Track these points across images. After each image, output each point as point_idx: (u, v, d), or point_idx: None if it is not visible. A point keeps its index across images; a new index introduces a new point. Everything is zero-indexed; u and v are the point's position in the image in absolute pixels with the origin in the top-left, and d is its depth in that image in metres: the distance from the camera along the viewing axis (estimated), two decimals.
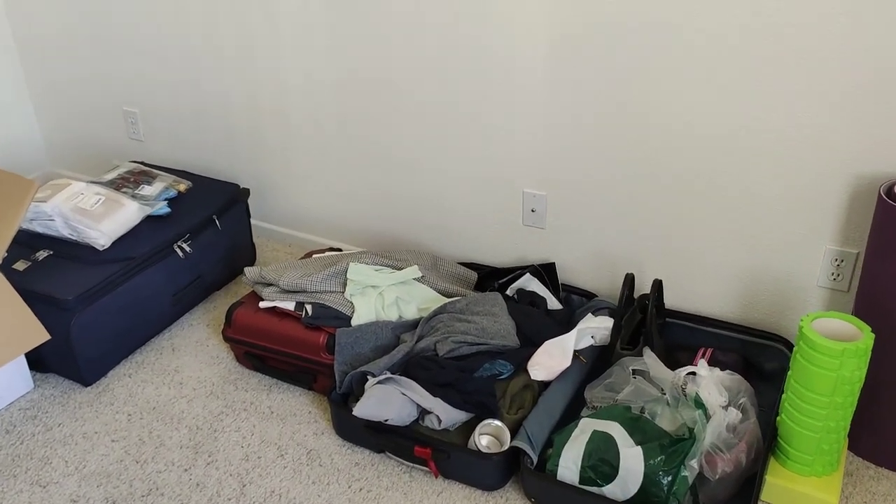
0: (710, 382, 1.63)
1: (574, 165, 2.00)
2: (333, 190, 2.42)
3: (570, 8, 1.82)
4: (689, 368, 1.66)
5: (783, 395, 1.59)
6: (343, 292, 1.93)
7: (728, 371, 1.69)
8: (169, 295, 2.13)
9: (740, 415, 1.61)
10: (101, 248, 2.02)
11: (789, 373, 1.56)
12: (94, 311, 1.93)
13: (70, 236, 2.04)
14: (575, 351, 1.83)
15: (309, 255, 2.21)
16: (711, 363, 1.90)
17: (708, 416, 1.58)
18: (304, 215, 2.53)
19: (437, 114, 2.12)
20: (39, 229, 2.07)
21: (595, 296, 2.10)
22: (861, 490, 1.66)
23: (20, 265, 1.99)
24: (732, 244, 1.90)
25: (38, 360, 2.00)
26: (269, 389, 1.98)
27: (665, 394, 1.64)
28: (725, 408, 1.62)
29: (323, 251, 2.24)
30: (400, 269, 2.03)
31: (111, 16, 2.52)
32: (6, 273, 1.93)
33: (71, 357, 1.93)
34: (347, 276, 1.95)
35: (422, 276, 2.03)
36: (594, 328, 1.86)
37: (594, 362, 1.86)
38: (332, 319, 1.88)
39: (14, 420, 1.89)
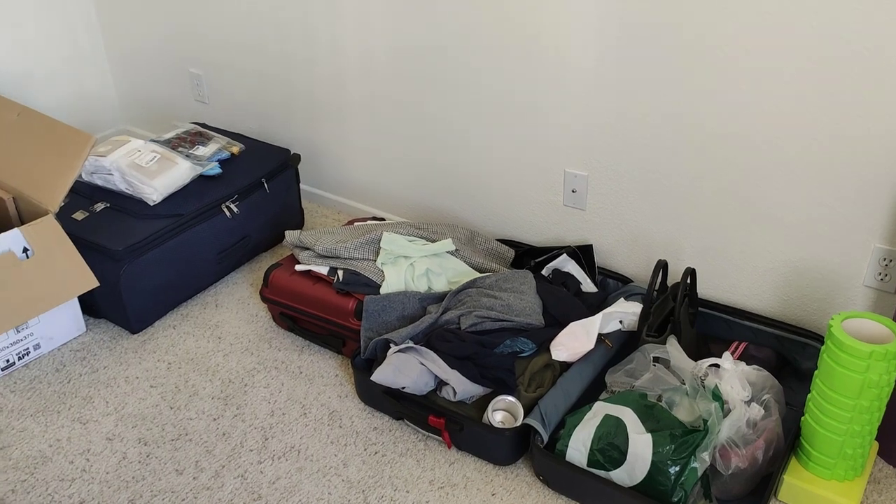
0: (734, 376, 1.59)
1: (617, 148, 1.97)
2: (382, 160, 2.45)
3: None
4: (713, 360, 1.63)
5: (809, 395, 1.54)
6: (375, 260, 1.96)
7: (755, 366, 1.64)
8: (214, 253, 2.21)
9: (762, 411, 1.57)
10: (152, 203, 2.11)
11: (816, 372, 1.50)
12: (143, 263, 2.02)
13: (126, 190, 2.14)
14: (601, 335, 1.82)
15: (351, 222, 2.25)
16: (744, 358, 1.86)
17: (726, 410, 1.54)
18: (352, 183, 2.58)
19: (486, 90, 2.11)
20: (99, 182, 2.18)
21: (631, 281, 2.07)
22: (887, 498, 1.60)
23: (79, 215, 2.10)
24: (775, 237, 1.83)
25: (91, 306, 2.11)
26: (301, 350, 2.04)
27: (685, 384, 1.60)
28: (748, 403, 1.58)
29: (365, 220, 2.28)
30: (434, 241, 2.05)
31: None
32: (66, 222, 2.05)
33: (120, 305, 2.04)
34: (381, 245, 1.98)
35: (455, 250, 2.04)
36: (622, 313, 1.84)
37: (621, 348, 1.84)
38: (362, 286, 1.92)
39: (65, 360, 2.01)
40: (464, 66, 2.12)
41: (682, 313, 1.79)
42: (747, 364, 1.66)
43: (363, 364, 1.84)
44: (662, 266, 1.81)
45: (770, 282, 1.89)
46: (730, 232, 1.89)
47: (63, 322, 2.03)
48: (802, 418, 1.56)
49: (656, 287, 1.83)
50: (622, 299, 1.93)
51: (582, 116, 1.98)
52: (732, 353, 1.82)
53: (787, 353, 1.86)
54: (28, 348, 1.97)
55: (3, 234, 1.85)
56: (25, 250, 1.89)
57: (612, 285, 2.08)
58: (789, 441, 1.58)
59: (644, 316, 1.80)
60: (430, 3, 2.09)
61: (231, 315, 2.17)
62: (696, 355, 1.74)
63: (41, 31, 2.78)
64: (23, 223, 1.97)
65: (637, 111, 1.89)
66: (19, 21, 2.70)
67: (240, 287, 2.28)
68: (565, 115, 2.01)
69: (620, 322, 1.85)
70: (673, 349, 1.66)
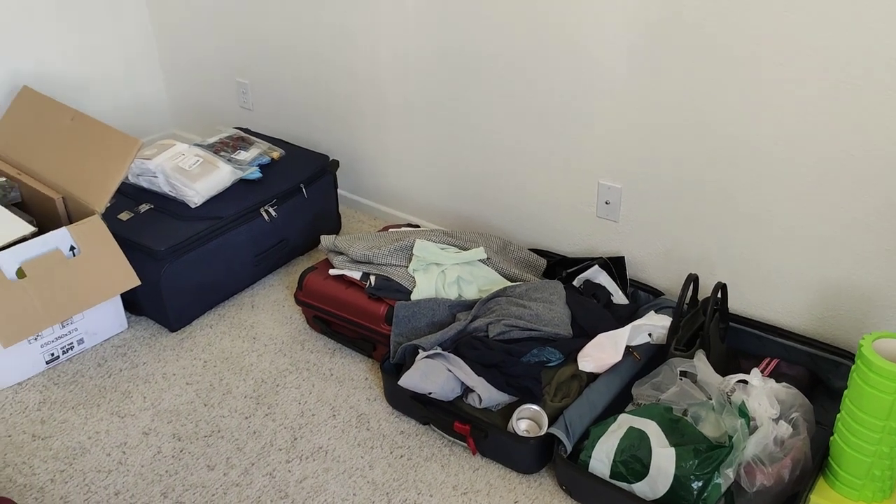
0: (762, 393, 1.57)
1: (651, 160, 1.96)
2: (418, 167, 2.49)
3: (660, 3, 1.78)
4: (741, 376, 1.61)
5: (838, 415, 1.52)
6: (407, 267, 1.99)
7: (784, 384, 1.62)
8: (252, 255, 2.27)
9: (791, 429, 1.55)
10: (193, 206, 2.17)
11: (845, 391, 1.48)
12: (183, 263, 2.09)
13: (169, 193, 2.21)
14: (630, 347, 1.82)
15: (385, 228, 2.29)
16: (776, 375, 1.83)
17: (752, 427, 1.53)
18: (389, 190, 2.61)
19: (522, 100, 2.13)
20: (145, 184, 2.26)
21: (662, 294, 2.06)
22: None
23: (124, 215, 2.18)
24: (811, 253, 1.81)
25: (133, 304, 2.19)
26: (333, 353, 2.08)
27: (711, 399, 1.59)
28: (776, 420, 1.56)
29: (400, 226, 2.31)
30: (466, 249, 2.07)
31: (229, 1, 2.69)
32: (111, 222, 2.12)
33: (160, 303, 2.11)
34: (413, 251, 2.01)
35: (487, 259, 2.06)
36: (652, 325, 1.83)
37: (649, 361, 1.83)
38: (393, 292, 1.95)
39: (106, 355, 2.08)
40: (500, 77, 2.14)
41: (711, 328, 1.77)
42: (778, 381, 1.64)
43: (392, 368, 1.87)
44: (693, 280, 1.80)
45: (804, 298, 1.87)
46: (764, 247, 1.87)
47: (106, 318, 2.11)
48: (831, 438, 1.54)
49: (687, 301, 1.82)
50: (652, 312, 1.92)
51: (616, 128, 1.99)
52: (763, 370, 1.80)
53: (820, 371, 1.83)
54: (72, 343, 2.05)
55: (52, 232, 1.93)
56: (72, 248, 1.96)
57: (643, 298, 2.07)
58: (818, 461, 1.56)
59: (673, 329, 1.79)
60: (468, 14, 2.12)
61: (266, 316, 2.22)
62: (725, 371, 1.73)
63: (100, 40, 2.89)
64: (71, 222, 2.05)
65: (671, 124, 1.89)
66: (80, 31, 2.81)
67: (276, 289, 2.34)
68: (599, 127, 2.01)
69: (649, 335, 1.84)
70: (700, 363, 1.66)
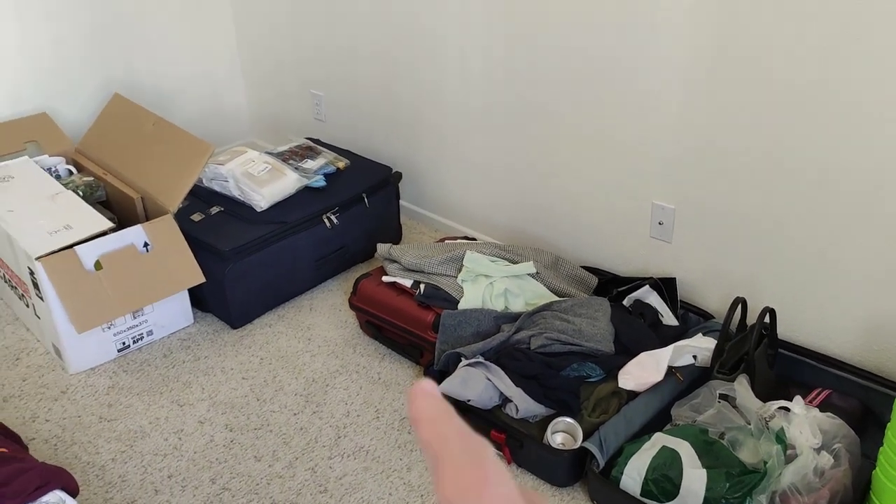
0: (804, 421, 1.55)
1: (706, 183, 1.95)
2: (477, 182, 2.54)
3: (714, 28, 1.78)
4: (782, 403, 1.59)
5: (881, 448, 1.47)
6: (456, 277, 2.04)
7: (829, 414, 1.59)
8: (313, 260, 2.36)
9: (832, 460, 1.52)
10: (259, 210, 2.28)
11: (888, 424, 1.44)
12: (246, 264, 2.20)
13: (238, 196, 2.33)
14: (673, 368, 1.81)
15: (443, 240, 2.34)
16: (828, 405, 1.79)
17: (791, 455, 1.50)
18: (448, 202, 2.67)
19: (578, 118, 2.16)
20: (216, 188, 2.39)
21: (713, 317, 2.03)
22: None
23: (196, 216, 2.31)
24: (867, 283, 1.76)
25: (200, 300, 2.31)
26: (382, 358, 2.14)
27: (750, 424, 1.57)
28: (817, 450, 1.53)
29: (456, 238, 2.36)
30: (517, 263, 2.10)
31: (311, 15, 2.82)
32: (184, 222, 2.26)
33: (224, 301, 2.22)
34: (463, 262, 2.06)
35: (536, 273, 2.08)
36: (696, 347, 1.82)
37: (692, 383, 1.82)
38: (441, 301, 2.00)
39: (172, 347, 2.21)
40: (560, 96, 2.17)
41: (758, 354, 1.75)
42: (829, 412, 1.61)
43: (435, 375, 1.91)
44: (741, 303, 1.78)
45: (859, 329, 1.82)
46: (818, 275, 1.83)
47: (174, 313, 2.24)
48: (874, 471, 1.50)
49: (735, 325, 1.80)
50: (700, 335, 1.91)
51: (672, 150, 1.99)
52: (812, 400, 1.76)
53: (874, 404, 1.77)
54: (142, 333, 2.18)
55: (128, 229, 2.07)
56: (146, 245, 2.10)
57: (693, 320, 2.05)
58: (859, 494, 1.52)
59: (717, 352, 1.77)
60: (531, 37, 2.16)
61: (322, 319, 2.31)
62: (772, 397, 1.70)
63: (188, 52, 3.07)
64: (147, 220, 2.19)
65: (727, 147, 1.88)
66: (170, 42, 3.00)
67: (333, 294, 2.42)
68: (655, 148, 2.02)
69: (694, 357, 1.83)
70: (741, 388, 1.64)
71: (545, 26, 2.12)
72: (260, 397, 2.01)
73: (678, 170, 2.00)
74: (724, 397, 1.64)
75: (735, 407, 1.63)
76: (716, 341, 1.83)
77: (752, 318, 1.91)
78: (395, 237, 2.65)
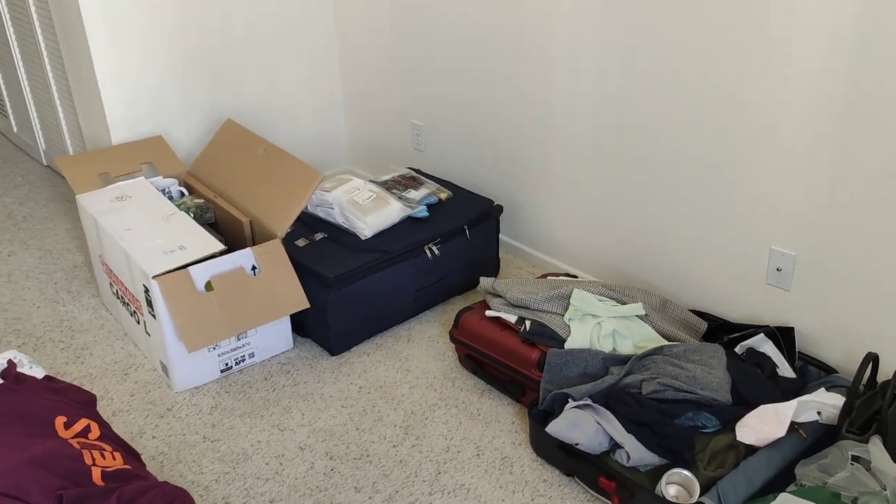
0: None
1: (832, 230, 1.86)
2: (580, 219, 2.49)
3: (847, 73, 1.71)
4: None
5: None
6: (563, 315, 2.00)
7: None
8: (413, 290, 2.36)
9: None
10: (363, 238, 2.30)
11: None
12: (349, 292, 2.20)
13: (343, 224, 2.35)
14: (795, 423, 1.71)
15: (544, 276, 2.31)
16: None
17: None
18: (549, 239, 2.63)
19: (690, 158, 2.10)
20: (321, 214, 2.42)
21: (835, 371, 1.93)
22: None
23: (301, 242, 2.34)
24: None
25: (300, 325, 2.33)
26: (482, 393, 2.10)
27: (885, 489, 1.47)
28: None
29: (558, 275, 2.32)
30: (624, 303, 2.05)
31: (412, 48, 2.85)
32: (289, 247, 2.29)
33: (325, 328, 2.23)
34: (570, 300, 2.01)
35: (645, 315, 2.02)
36: (821, 403, 1.72)
37: (815, 441, 1.72)
38: (547, 339, 1.96)
39: (272, 370, 2.23)
40: (670, 134, 2.12)
41: (891, 413, 1.64)
42: None
43: (540, 415, 1.87)
44: (873, 359, 1.68)
45: None
46: None
47: (276, 336, 2.26)
48: None
49: (864, 381, 1.70)
50: (823, 389, 1.81)
51: (794, 195, 1.91)
52: None
53: None
54: (244, 356, 2.21)
55: (239, 251, 2.11)
56: (254, 268, 2.13)
57: (813, 373, 1.95)
58: None
59: (846, 410, 1.67)
60: (638, 73, 2.12)
61: (421, 350, 2.29)
62: None
63: (294, 81, 3.15)
64: (255, 244, 2.23)
65: (854, 192, 1.79)
66: (278, 73, 3.09)
67: (432, 325, 2.41)
68: (775, 192, 1.94)
69: (818, 413, 1.73)
70: (876, 449, 1.53)
71: (665, 56, 2.08)
72: (359, 426, 2.00)
73: (800, 216, 1.91)
74: (856, 459, 1.54)
75: (868, 470, 1.52)
76: (841, 397, 1.72)
77: (882, 376, 1.80)
78: (493, 271, 2.62)
